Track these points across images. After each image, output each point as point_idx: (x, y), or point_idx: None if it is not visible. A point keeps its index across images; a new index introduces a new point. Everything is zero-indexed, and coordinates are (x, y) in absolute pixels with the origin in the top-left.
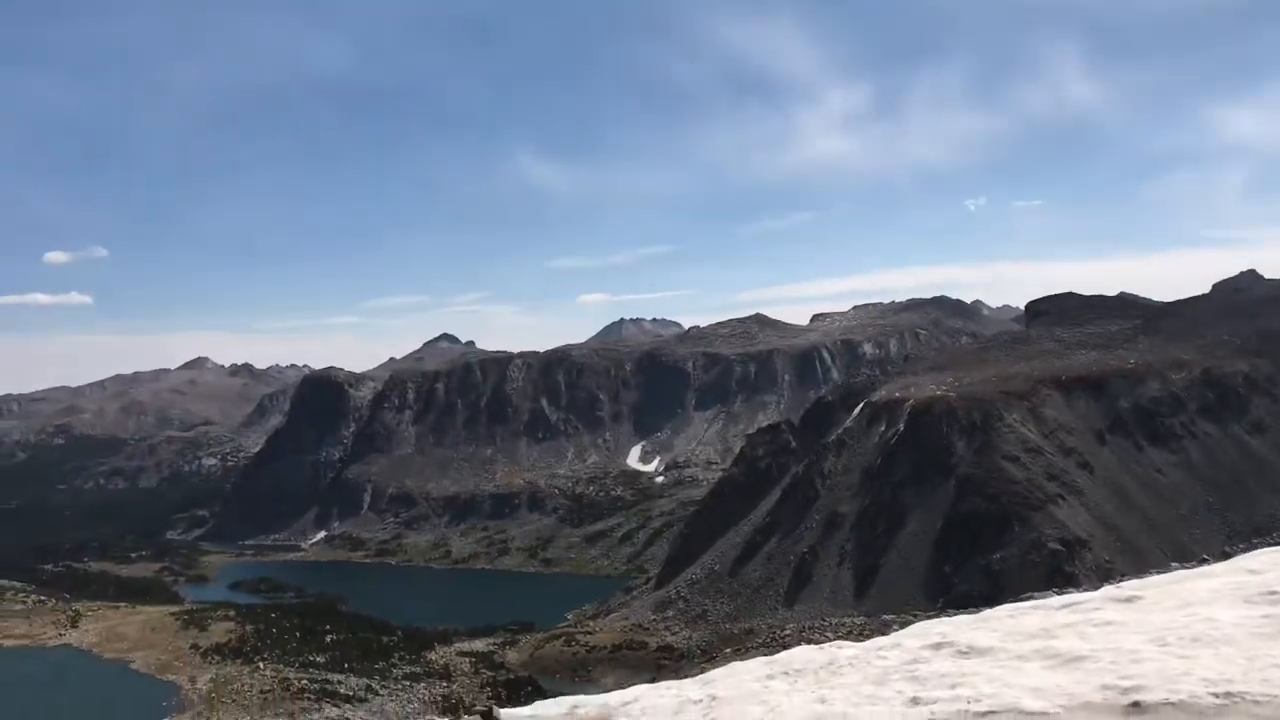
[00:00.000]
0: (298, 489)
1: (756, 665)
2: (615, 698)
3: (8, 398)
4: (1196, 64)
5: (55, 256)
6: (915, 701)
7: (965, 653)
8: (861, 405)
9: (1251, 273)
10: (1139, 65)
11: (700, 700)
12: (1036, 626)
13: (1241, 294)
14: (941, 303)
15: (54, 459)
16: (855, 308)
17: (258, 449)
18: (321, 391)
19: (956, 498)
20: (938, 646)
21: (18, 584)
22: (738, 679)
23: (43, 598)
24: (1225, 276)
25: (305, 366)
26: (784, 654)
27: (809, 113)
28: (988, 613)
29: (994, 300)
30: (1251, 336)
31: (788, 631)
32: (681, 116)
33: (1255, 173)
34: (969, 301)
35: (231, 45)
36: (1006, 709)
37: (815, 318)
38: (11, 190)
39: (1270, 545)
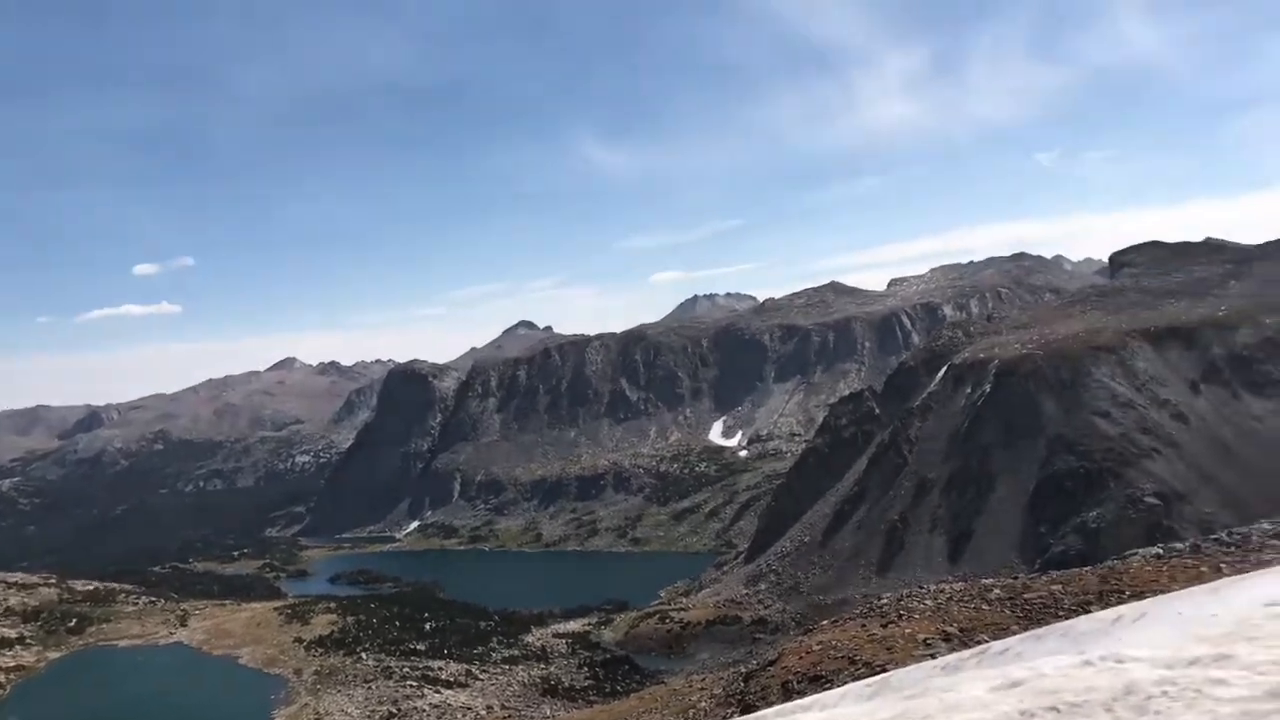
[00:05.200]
0: (389, 481)
1: (986, 691)
2: None
3: (108, 408)
4: (1260, 3)
5: (144, 268)
6: None
7: None
8: (945, 368)
9: None
10: (1202, 7)
11: None
12: None
13: None
14: (1021, 259)
15: (154, 465)
16: (933, 269)
17: (349, 444)
18: (407, 384)
19: (1048, 456)
20: None
21: (129, 586)
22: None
23: (153, 598)
24: None
25: (390, 361)
26: (1030, 672)
27: (867, 78)
28: None
29: (1075, 254)
30: None
31: (884, 601)
32: (739, 91)
33: None
34: (1049, 257)
35: (300, 51)
36: None
37: (892, 282)
38: (99, 206)
39: None
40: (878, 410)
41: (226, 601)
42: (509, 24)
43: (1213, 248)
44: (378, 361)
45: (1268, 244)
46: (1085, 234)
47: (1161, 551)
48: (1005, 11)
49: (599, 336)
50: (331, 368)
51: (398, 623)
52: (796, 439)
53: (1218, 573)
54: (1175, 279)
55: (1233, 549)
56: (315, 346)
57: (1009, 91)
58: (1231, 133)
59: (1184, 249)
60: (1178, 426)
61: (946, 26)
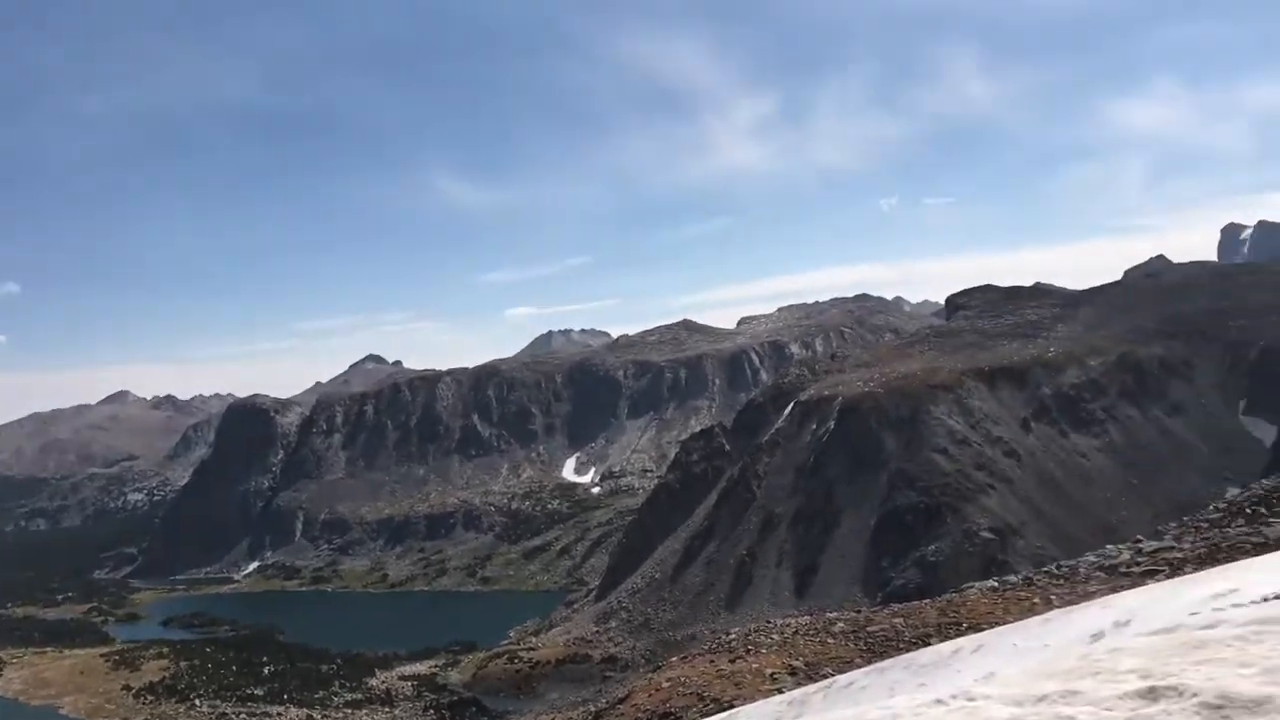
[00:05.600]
0: (227, 520)
1: None
2: None
3: None
4: (1087, 63)
5: None
6: None
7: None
8: (791, 405)
9: (1161, 258)
10: (1033, 66)
11: None
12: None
13: (1152, 279)
14: (864, 300)
15: None
16: (780, 309)
17: (184, 481)
18: (247, 420)
19: (889, 492)
20: (1150, 694)
21: None
22: None
23: None
24: (1135, 263)
25: (230, 395)
26: (884, 712)
27: (719, 123)
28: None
29: (914, 296)
30: (1165, 320)
31: (732, 636)
32: (594, 131)
33: (1153, 163)
34: (890, 298)
35: (139, 75)
36: None
37: (742, 321)
38: None
39: (1196, 523)
40: (728, 446)
41: (48, 648)
42: (361, 57)
43: (1041, 292)
44: (216, 395)
45: (1091, 289)
46: (923, 277)
47: (996, 584)
48: (849, 64)
49: (451, 372)
50: (167, 402)
51: (235, 667)
52: (649, 475)
53: (1049, 604)
54: (1007, 321)
55: (1061, 581)
56: (150, 379)
57: (852, 139)
58: (1059, 183)
59: (1015, 293)
60: (1010, 463)
61: (794, 76)
